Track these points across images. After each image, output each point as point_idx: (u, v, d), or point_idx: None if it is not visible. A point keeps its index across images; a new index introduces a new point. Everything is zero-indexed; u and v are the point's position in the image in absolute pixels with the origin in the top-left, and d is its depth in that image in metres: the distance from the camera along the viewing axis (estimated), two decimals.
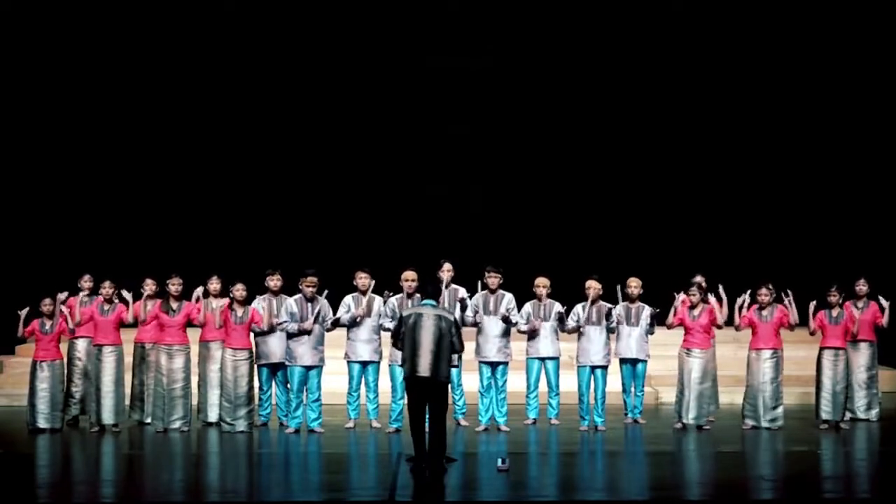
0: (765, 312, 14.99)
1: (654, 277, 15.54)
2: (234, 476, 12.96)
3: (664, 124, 20.60)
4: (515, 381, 15.43)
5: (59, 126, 20.11)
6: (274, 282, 15.20)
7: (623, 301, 15.28)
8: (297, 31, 20.43)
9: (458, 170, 20.70)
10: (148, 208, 20.28)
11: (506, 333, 15.14)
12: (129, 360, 15.48)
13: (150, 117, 20.33)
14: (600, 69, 20.54)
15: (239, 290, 14.88)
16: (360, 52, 20.50)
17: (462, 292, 15.01)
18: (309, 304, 14.93)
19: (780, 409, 14.94)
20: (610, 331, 15.23)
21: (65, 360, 15.43)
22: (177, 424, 14.95)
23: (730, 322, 15.32)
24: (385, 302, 14.97)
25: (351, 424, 15.13)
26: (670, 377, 15.28)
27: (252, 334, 15.04)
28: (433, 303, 12.82)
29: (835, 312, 15.23)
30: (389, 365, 14.99)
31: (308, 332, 14.85)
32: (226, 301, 14.93)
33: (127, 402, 15.49)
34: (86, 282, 15.67)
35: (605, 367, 15.21)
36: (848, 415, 15.35)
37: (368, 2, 20.47)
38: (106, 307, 15.14)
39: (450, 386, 13.08)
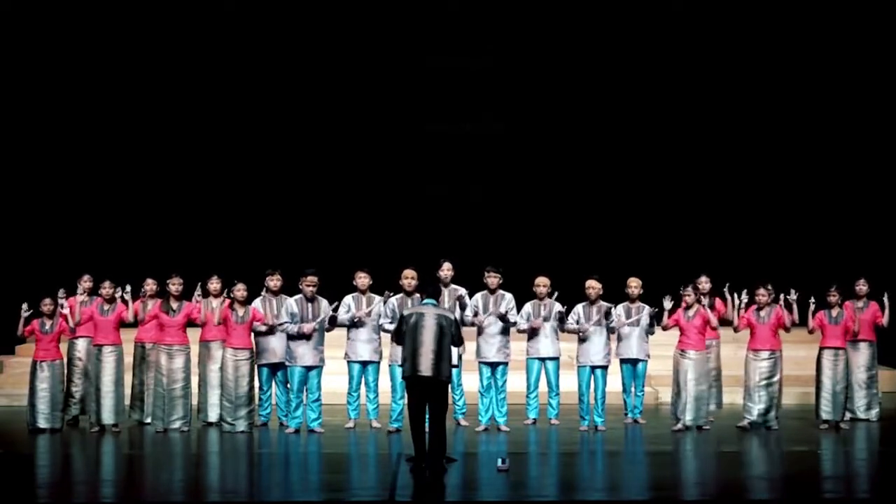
0: (762, 313, 14.98)
1: (654, 277, 15.53)
2: (234, 476, 12.96)
3: (664, 124, 20.60)
4: (515, 382, 15.43)
5: (59, 126, 20.11)
6: (274, 282, 15.19)
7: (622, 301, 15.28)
8: (297, 31, 20.43)
9: (458, 170, 20.69)
10: (148, 208, 20.28)
11: (505, 333, 15.14)
12: (129, 360, 15.48)
13: (151, 117, 20.33)
14: (601, 69, 20.54)
15: (240, 290, 14.88)
16: (361, 52, 20.50)
17: (462, 292, 15.01)
18: (309, 305, 14.93)
19: (774, 410, 14.92)
20: (610, 331, 15.23)
21: (65, 360, 15.43)
22: (177, 424, 14.95)
23: (729, 322, 15.33)
24: (385, 302, 14.98)
25: (351, 424, 15.14)
26: (670, 377, 15.25)
27: (252, 334, 15.03)
28: (434, 302, 12.83)
29: (834, 312, 15.23)
30: (389, 365, 15.00)
31: (307, 337, 14.84)
32: (226, 301, 14.92)
33: (127, 402, 15.50)
34: (85, 282, 15.67)
35: (605, 368, 15.22)
36: (848, 415, 15.35)
37: (368, 2, 20.47)
38: (106, 307, 15.14)
39: (450, 386, 13.08)
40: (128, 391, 15.53)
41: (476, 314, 15.05)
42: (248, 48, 20.34)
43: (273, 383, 15.27)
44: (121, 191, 20.26)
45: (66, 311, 15.08)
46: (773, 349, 14.96)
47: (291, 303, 14.94)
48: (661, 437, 14.64)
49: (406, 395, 12.87)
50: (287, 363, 14.98)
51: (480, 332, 15.13)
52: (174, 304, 15.13)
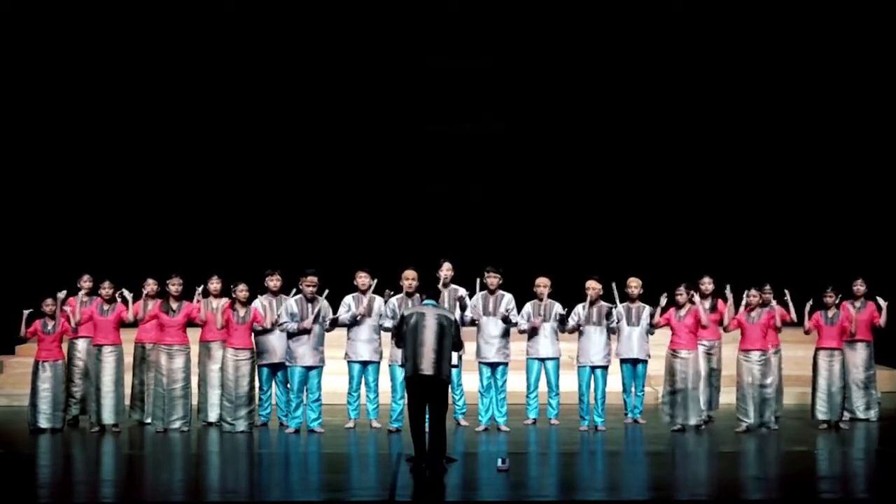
0: (753, 314, 14.95)
1: (654, 277, 15.52)
2: (234, 476, 12.97)
3: (664, 124, 20.60)
4: (515, 382, 15.43)
5: (59, 126, 20.11)
6: (273, 282, 15.20)
7: (622, 301, 15.28)
8: (297, 31, 20.44)
9: (458, 170, 20.69)
10: (148, 208, 20.28)
11: (505, 334, 15.15)
12: (129, 360, 15.49)
13: (151, 117, 20.33)
14: (601, 69, 20.55)
15: (241, 291, 14.89)
16: (361, 52, 20.50)
17: (461, 292, 15.02)
18: (309, 304, 14.94)
19: (771, 410, 14.90)
20: (611, 331, 15.24)
21: (65, 360, 15.44)
22: (177, 424, 14.96)
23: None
24: (386, 302, 14.98)
25: (351, 424, 15.14)
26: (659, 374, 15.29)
27: (253, 334, 15.03)
28: (434, 302, 12.85)
29: (830, 313, 15.21)
30: (389, 365, 15.01)
31: (308, 332, 14.85)
32: (226, 301, 14.93)
33: (127, 402, 15.50)
34: (85, 282, 15.68)
35: (605, 368, 15.22)
36: (847, 415, 15.35)
37: (368, 2, 20.47)
38: (106, 307, 15.15)
39: (450, 386, 13.09)
40: (128, 391, 15.54)
41: (474, 321, 15.05)
42: (248, 48, 20.35)
43: (273, 383, 15.28)
44: (121, 191, 20.26)
45: (67, 310, 15.08)
46: (764, 349, 14.92)
47: (291, 303, 14.95)
48: (661, 437, 14.64)
49: (406, 396, 12.87)
50: (287, 363, 14.99)
51: (480, 331, 15.14)
52: (174, 305, 15.14)
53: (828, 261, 18.62)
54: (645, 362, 15.43)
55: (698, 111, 20.46)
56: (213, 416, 15.09)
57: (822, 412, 15.07)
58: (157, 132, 20.39)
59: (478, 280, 15.15)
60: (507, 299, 15.16)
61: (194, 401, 15.38)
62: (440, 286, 14.78)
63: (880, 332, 15.70)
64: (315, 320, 14.85)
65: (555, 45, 20.61)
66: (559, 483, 12.52)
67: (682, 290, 15.00)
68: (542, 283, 15.29)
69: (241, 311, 14.88)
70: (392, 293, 15.02)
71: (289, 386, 15.05)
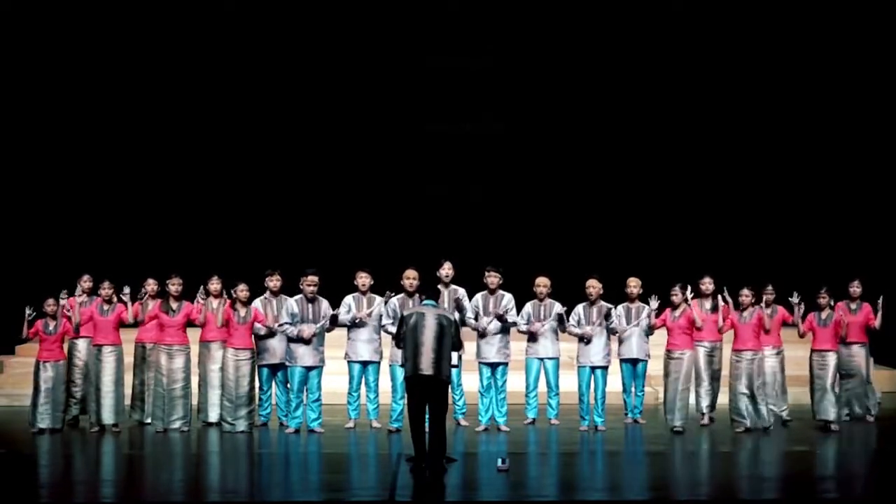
0: (745, 314, 14.92)
1: (654, 277, 15.51)
2: (235, 476, 12.97)
3: (664, 124, 20.59)
4: (515, 381, 15.43)
5: (59, 126, 20.10)
6: (273, 282, 15.19)
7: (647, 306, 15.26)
8: (297, 31, 20.43)
9: (458, 170, 20.69)
10: (148, 208, 20.27)
11: (505, 334, 15.13)
12: (129, 360, 15.49)
13: (151, 117, 20.32)
14: (601, 69, 20.54)
15: (242, 291, 14.89)
16: (361, 52, 20.50)
17: (461, 292, 15.01)
18: (310, 305, 14.94)
19: (764, 409, 14.83)
20: (611, 331, 15.23)
21: (66, 360, 15.43)
22: (177, 424, 14.96)
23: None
24: (386, 302, 14.98)
25: (351, 424, 15.14)
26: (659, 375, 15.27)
27: (253, 336, 15.03)
28: (434, 303, 12.85)
29: (824, 314, 15.18)
30: (390, 365, 15.00)
31: (307, 342, 14.84)
32: (226, 301, 14.93)
33: (127, 402, 15.50)
34: (85, 282, 15.67)
35: (605, 368, 15.22)
36: (845, 413, 15.34)
37: (368, 2, 20.47)
38: (105, 307, 15.15)
39: (450, 386, 13.09)
40: (128, 391, 15.53)
41: (476, 316, 15.04)
42: (248, 48, 20.34)
43: (273, 383, 15.28)
44: (121, 191, 20.25)
45: (68, 311, 15.08)
46: (756, 349, 14.89)
47: (292, 303, 14.95)
48: (661, 437, 14.64)
49: (406, 396, 12.87)
50: (287, 363, 14.99)
51: (482, 332, 15.13)
52: (174, 305, 15.14)
53: (825, 262, 18.57)
54: (645, 362, 15.43)
55: (698, 111, 20.45)
56: (213, 416, 15.08)
57: (821, 413, 15.03)
58: (158, 132, 20.38)
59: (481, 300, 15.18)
60: (507, 299, 15.16)
61: (194, 401, 15.38)
62: (440, 286, 14.79)
63: (882, 332, 15.65)
64: (315, 334, 14.84)
65: (555, 45, 20.60)
66: (559, 483, 12.52)
67: (676, 290, 14.98)
68: (542, 283, 15.29)
69: (242, 311, 14.88)
70: (392, 294, 15.02)
71: (289, 386, 15.05)
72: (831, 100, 20.08)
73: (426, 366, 12.45)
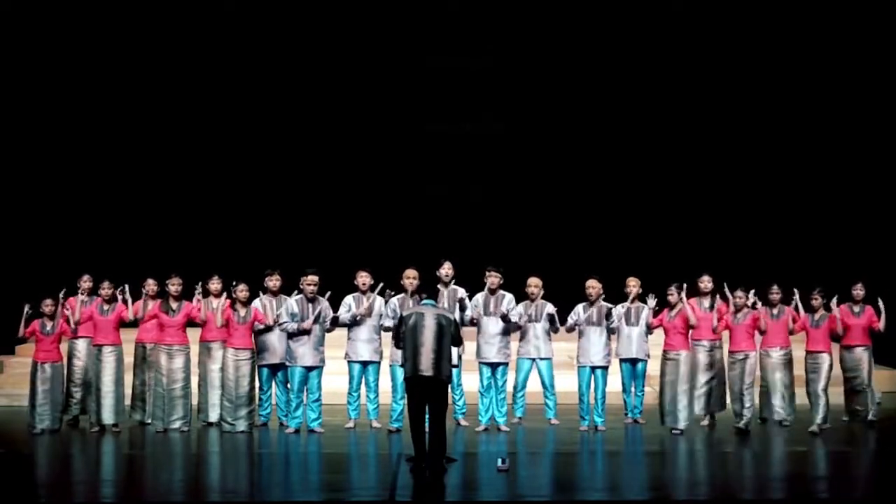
0: (739, 315, 14.88)
1: (653, 277, 15.50)
2: (235, 476, 12.96)
3: (664, 124, 20.59)
4: (513, 382, 15.45)
5: (59, 126, 20.10)
6: (273, 282, 15.19)
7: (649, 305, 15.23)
8: (297, 31, 20.43)
9: (458, 170, 20.69)
10: (148, 208, 20.27)
11: (506, 334, 15.13)
12: (129, 360, 15.49)
13: (151, 117, 20.32)
14: (600, 68, 20.54)
15: (242, 291, 14.89)
16: (361, 52, 20.50)
17: (461, 292, 15.01)
18: (310, 304, 14.94)
19: (751, 411, 14.76)
20: (610, 331, 15.22)
21: (65, 360, 15.43)
22: (177, 424, 14.96)
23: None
24: (386, 302, 14.98)
25: (351, 424, 15.14)
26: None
27: (253, 333, 15.03)
28: (433, 303, 12.86)
29: (817, 316, 15.06)
30: (390, 365, 15.00)
31: (308, 332, 14.85)
32: (226, 301, 14.92)
33: (128, 402, 15.50)
34: (85, 282, 15.67)
35: (605, 368, 15.21)
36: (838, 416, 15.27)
37: (368, 2, 20.47)
38: (105, 307, 15.15)
39: (449, 386, 13.09)
40: (129, 391, 15.53)
41: (474, 321, 15.03)
42: (248, 48, 20.34)
43: (273, 383, 15.27)
44: (120, 190, 20.25)
45: (67, 311, 15.08)
46: (748, 350, 14.84)
47: (292, 303, 14.95)
48: (662, 437, 14.63)
49: (406, 396, 12.86)
50: (287, 363, 14.99)
51: (480, 331, 15.12)
52: (174, 304, 15.14)
53: (828, 264, 18.55)
54: (644, 362, 15.42)
55: (699, 111, 20.44)
56: (213, 416, 15.08)
57: (817, 414, 14.96)
58: (157, 132, 20.38)
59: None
60: (508, 299, 15.15)
61: (194, 401, 15.38)
62: (440, 286, 14.80)
63: (879, 336, 15.59)
64: (315, 321, 14.86)
65: (554, 45, 20.60)
66: (559, 483, 12.51)
67: (672, 290, 14.95)
68: (534, 284, 15.31)
69: (242, 311, 14.88)
70: (392, 293, 15.02)
71: (289, 386, 15.05)
72: (833, 98, 20.06)
73: (426, 366, 12.45)
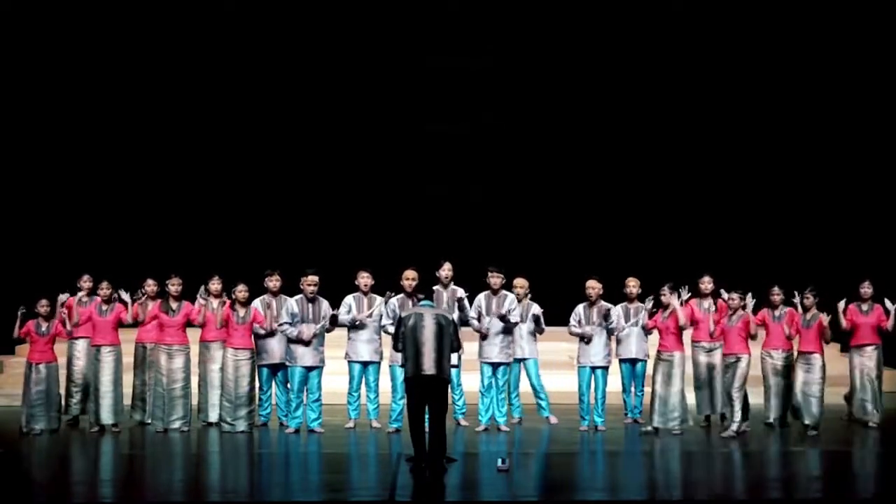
0: (734, 318, 14.80)
1: (653, 277, 15.50)
2: (235, 476, 12.97)
3: (664, 125, 20.58)
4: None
5: (58, 126, 20.10)
6: (273, 282, 15.19)
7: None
8: (296, 31, 20.43)
9: (458, 170, 20.69)
10: (148, 208, 20.27)
11: (507, 334, 15.12)
12: (129, 360, 15.50)
13: (151, 117, 20.32)
14: (601, 69, 20.54)
15: (241, 291, 14.89)
16: (361, 52, 20.50)
17: (460, 292, 15.01)
18: (310, 305, 14.94)
19: (739, 414, 14.62)
20: (610, 332, 15.21)
21: (64, 360, 15.44)
22: (177, 424, 14.96)
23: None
24: (386, 301, 14.97)
25: (351, 424, 15.14)
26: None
27: (252, 334, 15.03)
28: (431, 303, 12.86)
29: (808, 315, 14.90)
30: (390, 365, 15.00)
31: (306, 344, 14.84)
32: (226, 301, 14.93)
33: (128, 402, 15.51)
34: (85, 282, 15.67)
35: (605, 368, 15.21)
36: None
37: (368, 2, 20.47)
38: (104, 307, 15.14)
39: (449, 386, 13.09)
40: (129, 391, 15.54)
41: (479, 316, 15.03)
42: (248, 48, 20.34)
43: (273, 383, 15.28)
44: (120, 190, 20.25)
45: (64, 313, 15.05)
46: (740, 353, 14.67)
47: (292, 303, 14.95)
48: (661, 438, 14.61)
49: (406, 396, 12.86)
50: (287, 363, 14.99)
51: (483, 334, 15.11)
52: (174, 305, 15.14)
53: (834, 262, 18.54)
54: (644, 362, 15.42)
55: (699, 111, 20.44)
56: (213, 416, 15.09)
57: (808, 416, 14.80)
58: (157, 132, 20.38)
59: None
60: (510, 299, 15.14)
61: (194, 401, 15.38)
62: (440, 286, 14.80)
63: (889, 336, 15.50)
64: (314, 336, 14.84)
65: (554, 45, 20.60)
66: (559, 483, 12.51)
67: (665, 290, 14.91)
68: (519, 285, 15.34)
69: (241, 312, 14.88)
70: (392, 294, 15.01)
71: (289, 386, 15.05)
72: (836, 97, 20.03)
73: (428, 366, 12.46)
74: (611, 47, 20.49)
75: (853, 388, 15.44)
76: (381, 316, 14.96)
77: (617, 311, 15.25)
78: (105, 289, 15.17)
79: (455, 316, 14.27)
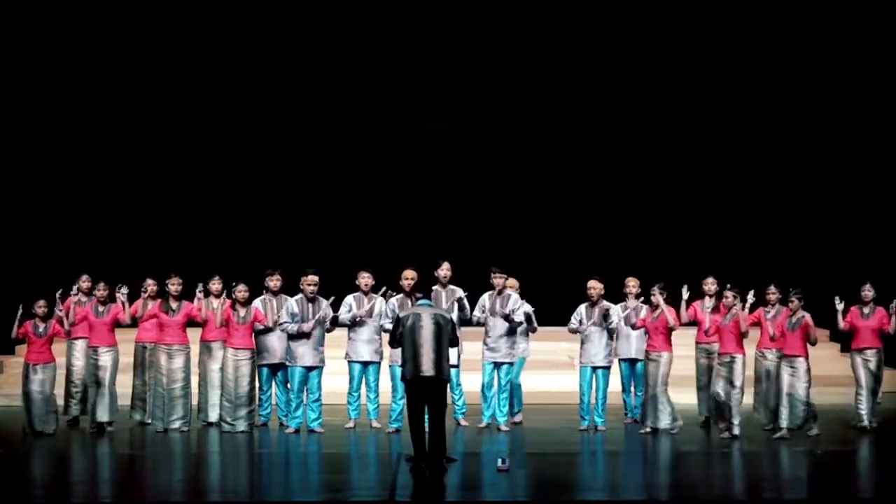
0: (727, 317, 14.71)
1: (654, 278, 15.48)
2: (235, 476, 12.97)
3: (664, 125, 20.57)
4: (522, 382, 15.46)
5: (58, 126, 20.08)
6: (273, 282, 15.19)
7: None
8: (297, 31, 20.42)
9: (458, 170, 20.69)
10: (147, 208, 20.26)
11: (511, 334, 15.10)
12: (129, 360, 15.49)
13: (150, 117, 20.31)
14: (601, 69, 20.53)
15: (241, 291, 14.88)
16: (360, 52, 20.49)
17: (459, 292, 15.00)
18: (310, 304, 14.94)
19: (736, 414, 14.49)
20: (610, 332, 15.20)
21: (64, 360, 15.43)
22: (177, 424, 14.95)
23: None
24: (386, 300, 14.97)
25: (351, 424, 15.14)
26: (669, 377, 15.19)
27: (254, 333, 15.02)
28: (429, 303, 12.86)
29: (794, 318, 14.62)
30: (390, 365, 14.98)
31: (307, 336, 14.85)
32: (227, 301, 14.92)
33: (128, 402, 15.51)
34: (83, 282, 15.65)
35: (606, 368, 15.20)
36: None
37: (368, 2, 20.46)
38: (101, 308, 15.11)
39: (448, 386, 13.09)
40: (129, 391, 15.54)
41: (480, 323, 15.04)
42: (248, 48, 20.33)
43: (273, 383, 15.27)
44: (120, 190, 20.24)
45: (60, 312, 15.03)
46: (734, 353, 14.53)
47: (292, 303, 14.95)
48: (661, 437, 14.61)
49: (405, 396, 12.85)
50: (287, 363, 14.99)
51: (487, 331, 15.09)
52: (174, 304, 15.13)
53: (836, 264, 18.52)
54: (643, 362, 15.37)
55: (700, 111, 20.42)
56: (213, 416, 15.08)
57: (783, 419, 14.54)
58: (157, 132, 20.37)
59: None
60: (514, 299, 15.12)
61: (194, 401, 15.37)
62: (439, 286, 14.80)
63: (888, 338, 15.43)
64: (316, 325, 14.86)
65: (555, 44, 20.59)
66: (559, 483, 12.50)
67: (655, 290, 14.85)
68: (511, 285, 15.34)
69: (242, 312, 14.88)
70: (392, 293, 15.01)
71: (289, 386, 15.05)
72: (839, 97, 20.00)
73: (427, 366, 12.45)
74: (611, 47, 20.48)
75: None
76: (381, 315, 14.96)
77: (616, 311, 15.24)
78: (102, 290, 15.14)
79: (454, 316, 14.27)
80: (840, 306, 15.12)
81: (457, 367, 14.65)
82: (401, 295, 14.88)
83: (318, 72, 20.54)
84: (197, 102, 20.29)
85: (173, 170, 20.35)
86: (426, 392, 12.50)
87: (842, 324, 15.21)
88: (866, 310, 15.26)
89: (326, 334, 15.15)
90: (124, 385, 15.48)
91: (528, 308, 15.19)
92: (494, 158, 20.71)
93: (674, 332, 14.90)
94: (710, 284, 15.27)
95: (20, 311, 15.00)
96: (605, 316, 15.13)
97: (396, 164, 20.61)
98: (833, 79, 20.05)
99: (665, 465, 13.52)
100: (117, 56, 20.12)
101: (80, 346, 15.45)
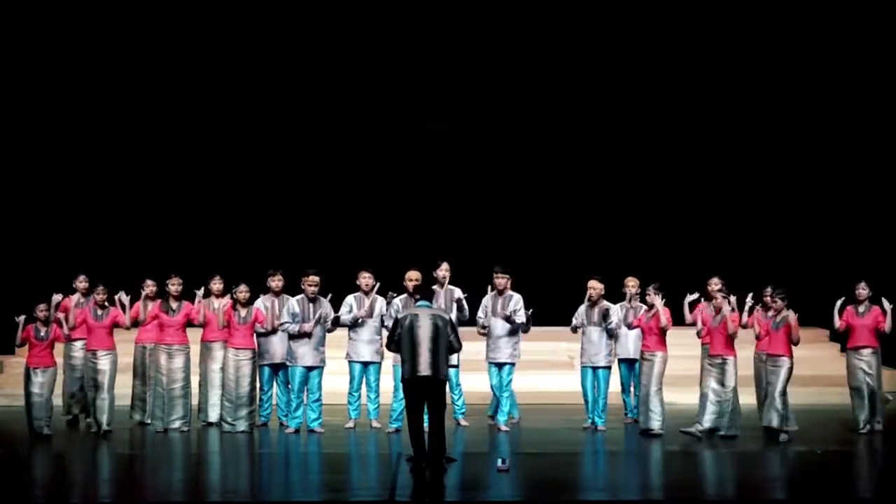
0: (717, 318, 14.69)
1: (654, 278, 15.48)
2: (235, 476, 12.97)
3: (664, 125, 20.56)
4: (518, 382, 15.44)
5: (58, 127, 20.08)
6: (275, 282, 15.20)
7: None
8: (297, 31, 20.42)
9: (458, 170, 20.69)
10: (147, 208, 20.27)
11: (513, 334, 15.10)
12: (129, 360, 15.49)
13: (151, 117, 20.31)
14: (601, 69, 20.52)
15: (242, 292, 14.89)
16: (360, 52, 20.49)
17: (458, 292, 15.01)
18: (311, 305, 14.95)
19: (727, 417, 14.42)
20: (609, 332, 15.19)
21: (63, 361, 15.42)
22: (177, 424, 14.96)
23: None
24: (388, 302, 14.97)
25: (351, 424, 15.14)
26: (668, 377, 15.18)
27: (255, 335, 15.03)
28: (428, 304, 12.87)
29: (778, 318, 14.53)
30: (394, 365, 14.94)
31: (308, 335, 14.86)
32: (228, 301, 14.93)
33: (128, 402, 15.51)
34: (81, 282, 15.64)
35: (607, 368, 15.20)
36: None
37: (368, 2, 20.47)
38: (99, 312, 15.09)
39: (448, 386, 13.09)
40: (129, 392, 15.54)
41: (483, 326, 15.04)
42: (248, 48, 20.33)
43: (274, 383, 15.27)
44: (120, 191, 20.24)
45: (60, 316, 15.01)
46: (725, 355, 14.43)
47: (293, 303, 14.95)
48: (661, 437, 14.61)
49: (404, 396, 12.85)
50: (288, 363, 14.99)
51: (489, 332, 15.09)
52: (174, 305, 15.14)
53: (831, 263, 18.52)
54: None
55: (700, 111, 20.42)
56: (213, 416, 15.09)
57: (766, 419, 14.50)
58: (157, 132, 20.37)
59: (489, 286, 15.11)
60: (515, 300, 15.12)
61: (195, 401, 15.38)
62: (437, 287, 14.80)
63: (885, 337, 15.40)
64: (316, 323, 14.87)
65: (555, 44, 20.59)
66: (559, 483, 12.51)
67: (649, 290, 14.83)
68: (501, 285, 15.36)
69: (243, 312, 14.88)
70: (395, 294, 15.01)
71: (289, 386, 15.05)
72: (837, 98, 20.01)
73: (424, 367, 12.46)
74: (611, 47, 20.47)
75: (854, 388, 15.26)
76: (383, 316, 14.96)
77: (616, 311, 15.24)
78: (100, 293, 15.12)
79: (453, 316, 14.27)
80: (839, 305, 15.10)
81: (456, 367, 14.67)
82: (404, 295, 14.87)
83: (318, 72, 20.54)
84: (197, 103, 20.29)
85: (173, 170, 20.34)
86: (424, 392, 12.51)
87: (838, 323, 15.18)
88: (861, 308, 15.17)
89: (327, 334, 15.15)
90: (124, 386, 15.48)
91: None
92: (494, 158, 20.71)
93: (668, 333, 14.88)
94: (714, 286, 15.19)
95: (23, 319, 14.95)
96: (605, 316, 15.13)
97: (396, 164, 20.62)
98: (830, 79, 20.05)
99: (663, 464, 13.52)
100: (117, 56, 20.12)
101: (79, 347, 15.44)
